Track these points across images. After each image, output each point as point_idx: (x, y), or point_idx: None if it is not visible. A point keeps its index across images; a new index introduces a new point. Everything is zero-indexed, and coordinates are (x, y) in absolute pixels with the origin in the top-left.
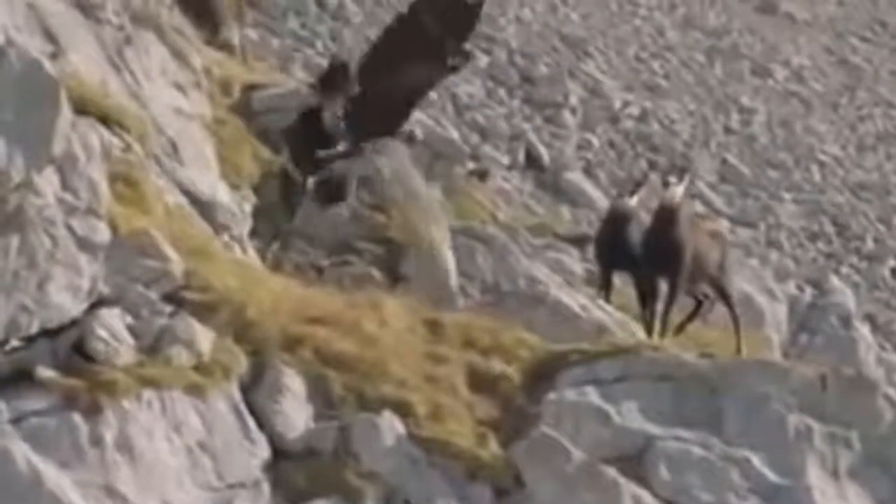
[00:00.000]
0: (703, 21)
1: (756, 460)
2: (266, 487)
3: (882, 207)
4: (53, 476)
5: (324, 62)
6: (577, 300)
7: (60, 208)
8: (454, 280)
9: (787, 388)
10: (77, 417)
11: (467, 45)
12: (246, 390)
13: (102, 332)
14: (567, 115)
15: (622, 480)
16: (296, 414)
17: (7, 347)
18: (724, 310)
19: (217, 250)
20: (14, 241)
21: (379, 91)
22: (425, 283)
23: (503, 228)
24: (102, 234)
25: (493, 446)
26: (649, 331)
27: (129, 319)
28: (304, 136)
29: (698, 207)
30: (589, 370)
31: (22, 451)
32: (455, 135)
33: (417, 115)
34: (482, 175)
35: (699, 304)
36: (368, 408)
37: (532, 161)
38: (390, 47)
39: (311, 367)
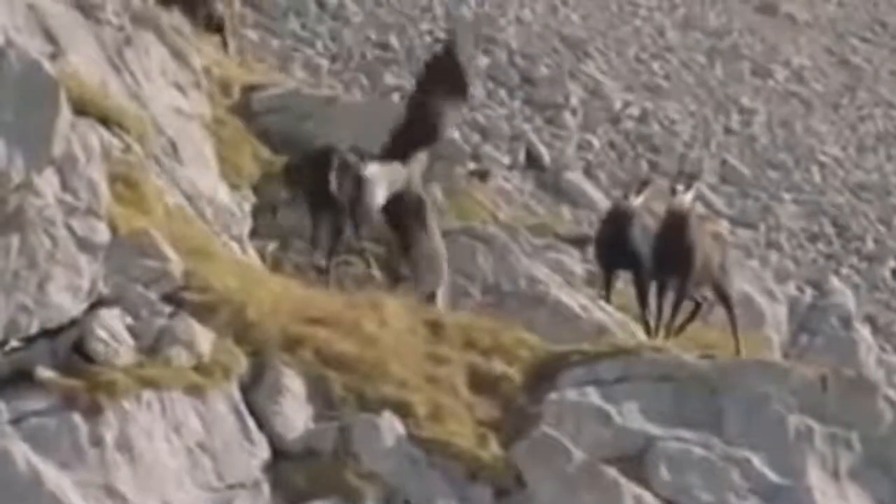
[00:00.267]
0: (704, 22)
1: (756, 461)
2: (266, 488)
3: (882, 208)
4: (53, 476)
5: (324, 62)
6: (578, 300)
7: (60, 209)
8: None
9: (787, 388)
10: (77, 418)
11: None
12: (246, 391)
13: (102, 333)
14: (567, 116)
15: (623, 481)
16: (296, 414)
17: (7, 348)
18: (723, 310)
19: (217, 250)
20: (14, 241)
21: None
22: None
23: (504, 228)
24: (102, 234)
25: (494, 447)
26: (649, 331)
27: (128, 320)
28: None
29: (698, 208)
30: (590, 371)
31: (22, 452)
32: (456, 135)
33: None
34: (483, 175)
35: (698, 305)
36: (369, 408)
37: (533, 161)
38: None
39: (311, 367)
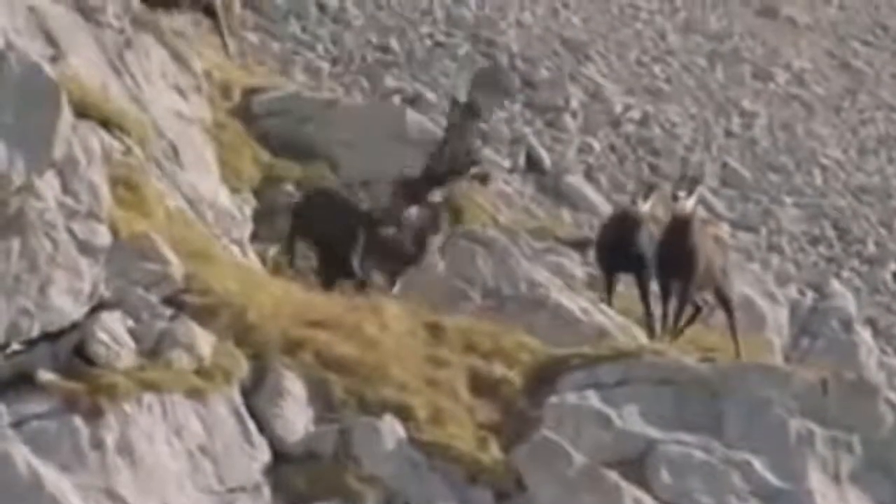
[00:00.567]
0: (705, 25)
1: (757, 464)
2: (266, 491)
3: (883, 211)
4: (54, 479)
5: (324, 65)
6: (579, 304)
7: (61, 212)
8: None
9: (788, 392)
10: (78, 421)
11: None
12: (246, 394)
13: (103, 336)
14: (568, 119)
15: (623, 484)
16: (296, 417)
17: (8, 351)
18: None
19: (217, 254)
20: (15, 244)
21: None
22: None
23: (504, 232)
24: (103, 237)
25: (494, 450)
26: (652, 334)
27: (129, 323)
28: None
29: (699, 211)
30: (590, 374)
31: (22, 455)
32: None
33: (419, 117)
34: (483, 178)
35: (698, 308)
36: (369, 411)
37: (533, 164)
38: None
39: (311, 370)
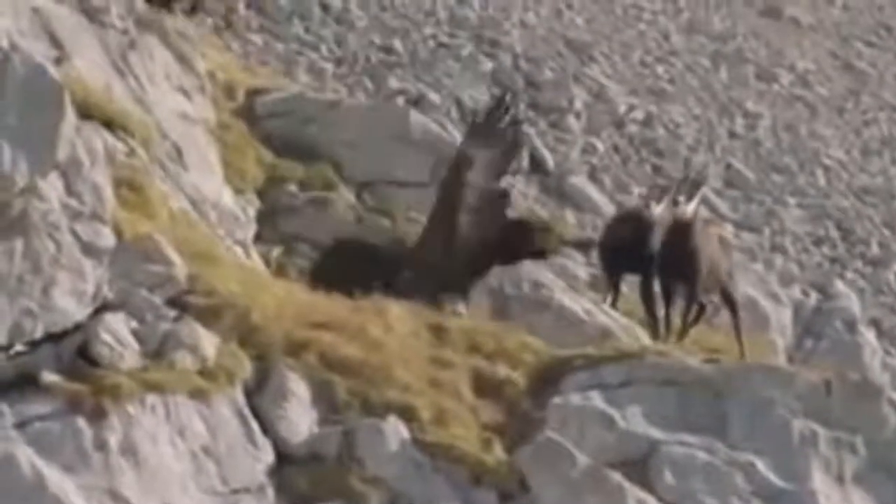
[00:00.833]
0: (708, 26)
1: (761, 465)
2: (270, 492)
3: (887, 212)
4: (57, 480)
5: (328, 66)
6: (582, 304)
7: (65, 213)
8: None
9: (791, 392)
10: (81, 422)
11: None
12: (250, 395)
13: (107, 337)
14: (571, 120)
15: (627, 485)
16: (300, 419)
17: (11, 352)
18: (728, 314)
19: (221, 255)
20: (18, 245)
21: None
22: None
23: None
24: (107, 238)
25: (498, 451)
26: (657, 335)
27: (133, 324)
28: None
29: (703, 212)
30: (594, 375)
31: (26, 456)
32: (459, 139)
33: (422, 118)
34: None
35: (702, 308)
36: (373, 412)
37: (536, 165)
38: None
39: (315, 371)
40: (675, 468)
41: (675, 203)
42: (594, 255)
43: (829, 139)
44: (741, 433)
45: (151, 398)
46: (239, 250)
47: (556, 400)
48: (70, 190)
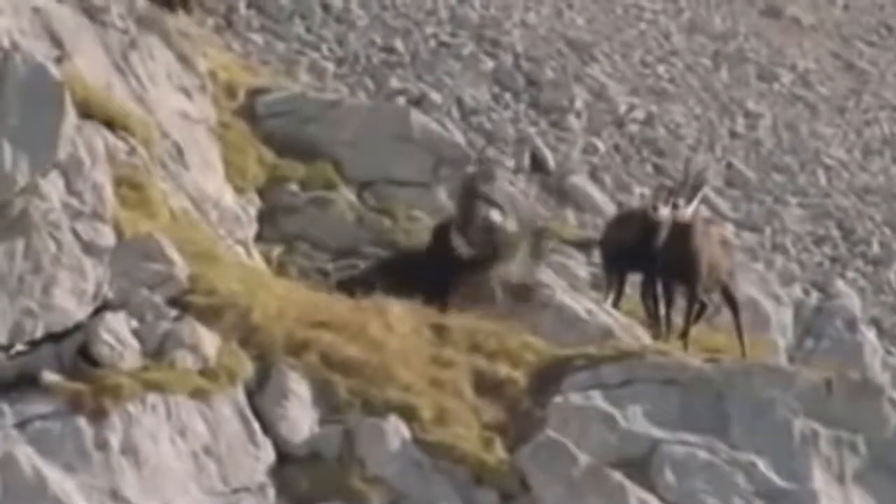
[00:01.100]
0: (709, 25)
1: (762, 464)
2: (271, 492)
3: (888, 211)
4: (58, 480)
5: (329, 66)
6: (583, 304)
7: (65, 212)
8: None
9: (792, 392)
10: (82, 421)
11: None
12: (251, 395)
13: (107, 337)
14: (572, 120)
15: (628, 484)
16: (301, 418)
17: (12, 352)
18: (729, 314)
19: (222, 254)
20: (19, 244)
21: None
22: None
23: None
24: (107, 238)
25: (499, 450)
26: (658, 335)
27: (133, 323)
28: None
29: (704, 212)
30: (594, 374)
31: (27, 455)
32: (461, 138)
33: (423, 118)
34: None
35: (703, 307)
36: (374, 412)
37: (537, 165)
38: None
39: (316, 371)
40: (676, 467)
41: (675, 206)
42: (595, 254)
43: (829, 139)
44: (742, 432)
45: (152, 398)
46: (240, 249)
47: (557, 399)
48: (71, 189)
